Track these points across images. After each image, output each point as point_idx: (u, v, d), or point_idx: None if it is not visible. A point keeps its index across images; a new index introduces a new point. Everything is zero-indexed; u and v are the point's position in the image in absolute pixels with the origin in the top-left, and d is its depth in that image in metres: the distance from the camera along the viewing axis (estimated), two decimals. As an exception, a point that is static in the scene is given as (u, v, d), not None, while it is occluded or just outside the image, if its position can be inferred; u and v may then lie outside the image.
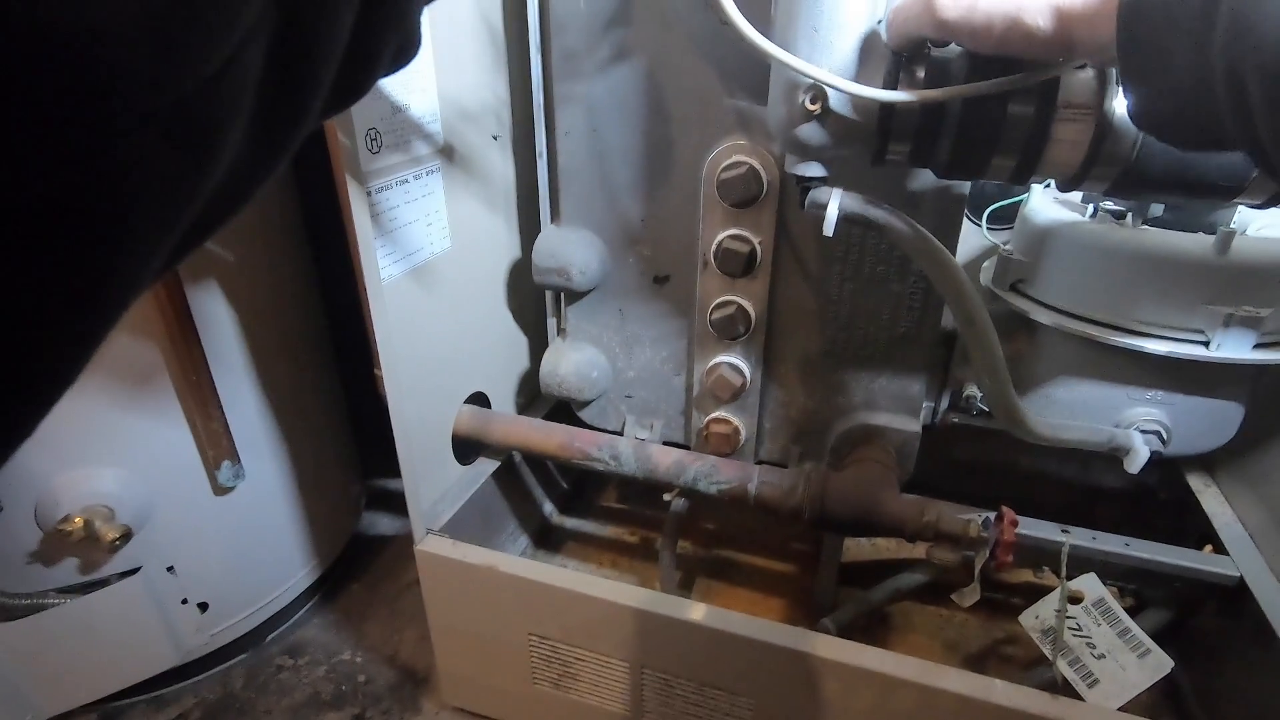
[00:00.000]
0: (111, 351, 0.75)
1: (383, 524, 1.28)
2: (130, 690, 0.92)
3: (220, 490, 0.86)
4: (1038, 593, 1.10)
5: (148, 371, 0.78)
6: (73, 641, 0.82)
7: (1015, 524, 0.71)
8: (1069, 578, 0.78)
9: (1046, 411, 0.83)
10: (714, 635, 0.71)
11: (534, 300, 1.01)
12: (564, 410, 0.99)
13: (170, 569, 0.86)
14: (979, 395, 0.79)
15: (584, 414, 0.96)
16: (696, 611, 0.72)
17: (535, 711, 0.88)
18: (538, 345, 1.03)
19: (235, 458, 0.85)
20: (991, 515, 0.74)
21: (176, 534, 0.86)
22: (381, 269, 0.70)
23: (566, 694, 0.83)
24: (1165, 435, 0.79)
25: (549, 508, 1.19)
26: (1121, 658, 0.78)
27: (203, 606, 0.91)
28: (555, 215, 0.86)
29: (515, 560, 0.78)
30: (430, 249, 0.78)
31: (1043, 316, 0.79)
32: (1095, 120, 0.48)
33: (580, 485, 1.31)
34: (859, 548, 1.18)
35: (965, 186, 0.70)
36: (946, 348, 0.81)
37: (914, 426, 0.82)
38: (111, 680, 0.87)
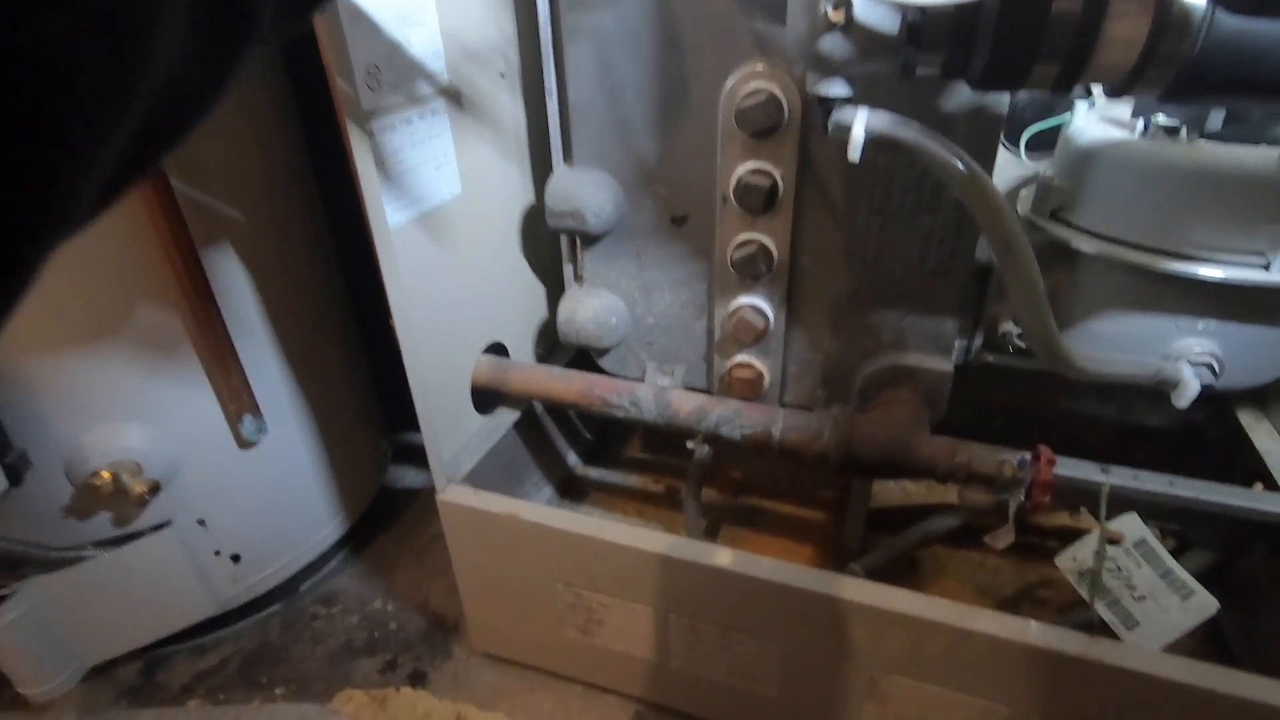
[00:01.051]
0: (131, 313, 0.75)
1: (409, 477, 1.29)
2: (171, 639, 0.95)
3: (244, 444, 0.86)
4: (1074, 536, 1.07)
5: (167, 332, 0.78)
6: (112, 592, 0.84)
7: (1052, 463, 0.68)
8: (1108, 519, 0.75)
9: (1088, 348, 0.79)
10: (740, 580, 0.70)
11: (550, 246, 0.99)
12: (585, 359, 0.98)
13: (201, 522, 0.87)
14: (1015, 330, 0.75)
15: (604, 362, 0.94)
16: (722, 557, 0.71)
17: (563, 657, 0.88)
18: (555, 293, 1.00)
19: (257, 412, 0.85)
20: (1027, 455, 0.71)
21: (204, 488, 0.87)
22: (389, 216, 0.68)
23: (593, 640, 0.83)
24: (1217, 368, 0.75)
25: (573, 459, 1.18)
26: (1163, 600, 0.76)
27: (235, 558, 0.93)
28: (567, 156, 0.83)
29: (537, 508, 0.77)
30: (440, 194, 0.75)
31: (1086, 245, 0.74)
32: (1153, 14, 0.43)
33: (604, 436, 1.30)
34: (888, 493, 1.16)
35: (1002, 105, 0.65)
36: (980, 283, 0.77)
37: (946, 366, 0.79)
38: (152, 629, 0.90)
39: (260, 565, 0.96)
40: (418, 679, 0.92)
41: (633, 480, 1.20)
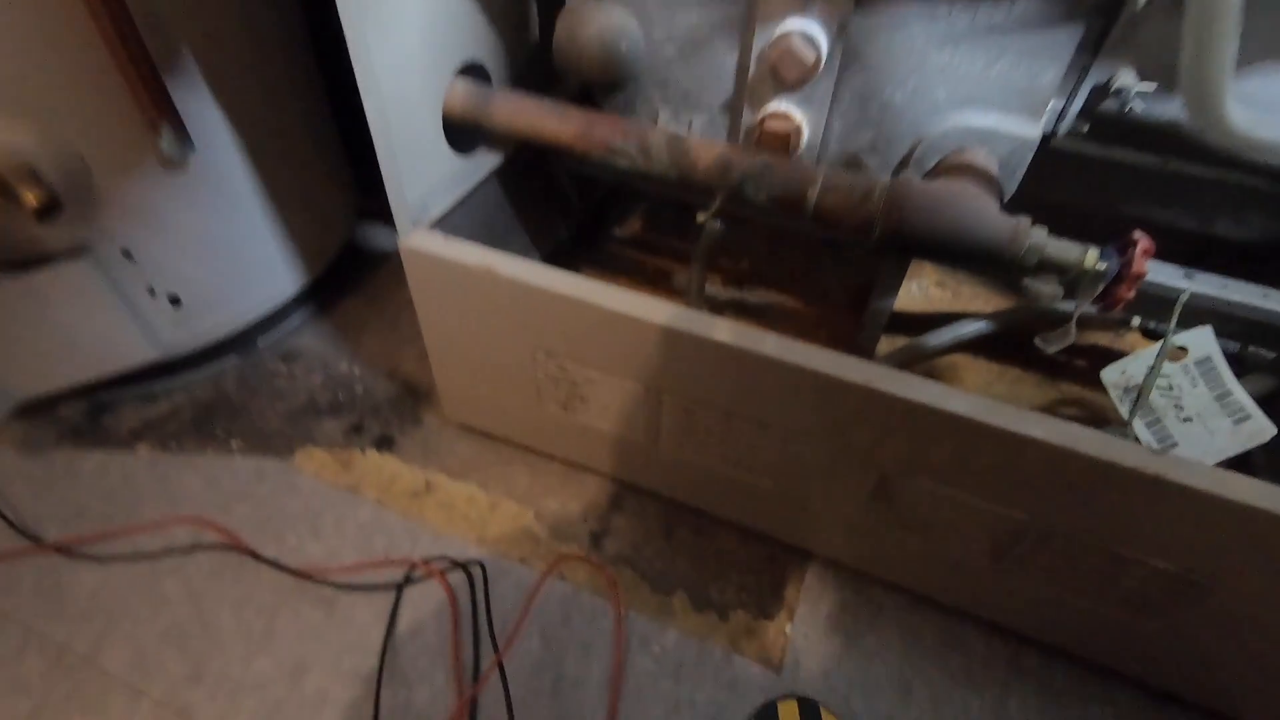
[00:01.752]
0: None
1: (382, 238, 1.16)
2: (116, 384, 0.87)
3: (167, 162, 0.72)
4: (1106, 354, 1.00)
5: (59, 8, 0.60)
6: (30, 321, 0.74)
7: (1150, 253, 0.55)
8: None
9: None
10: (745, 359, 0.60)
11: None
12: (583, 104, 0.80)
13: (126, 253, 0.75)
14: (1133, 89, 0.59)
15: (608, 105, 0.77)
16: (725, 331, 0.60)
17: (542, 433, 0.81)
18: (550, 7, 0.80)
19: (178, 124, 0.69)
20: (1112, 246, 0.59)
21: (126, 213, 0.73)
22: None
23: (575, 416, 0.76)
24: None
25: (563, 232, 1.05)
26: (1212, 423, 0.68)
27: (174, 300, 0.82)
28: None
29: (517, 263, 0.65)
30: None
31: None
32: None
33: (601, 210, 1.15)
34: (909, 297, 1.05)
35: None
36: (1106, 18, 0.59)
37: (1031, 131, 0.64)
38: (88, 368, 0.81)
39: (207, 311, 0.86)
40: (385, 443, 0.86)
41: (629, 262, 1.08)
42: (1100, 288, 0.58)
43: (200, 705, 0.64)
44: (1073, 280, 0.59)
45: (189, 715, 0.64)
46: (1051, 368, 0.96)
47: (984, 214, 0.59)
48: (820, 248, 1.12)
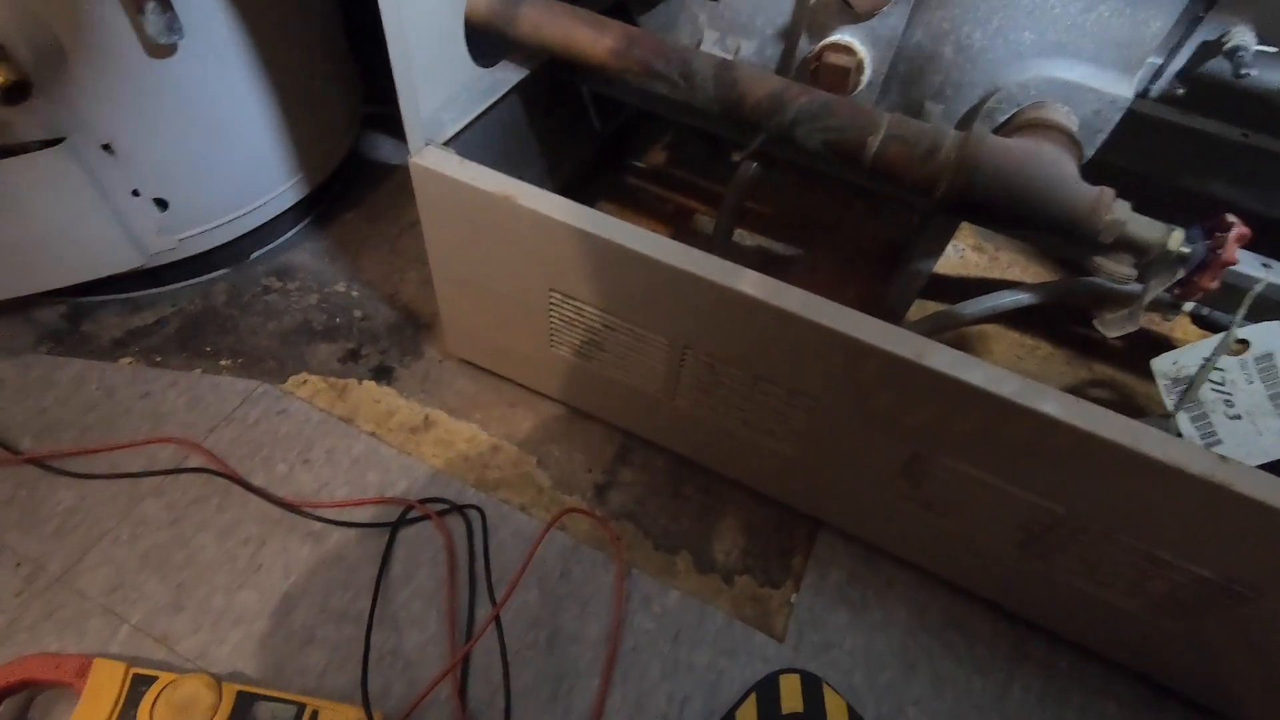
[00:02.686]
0: None
1: (386, 150, 1.08)
2: (99, 288, 0.81)
3: (154, 48, 0.64)
4: (1149, 340, 0.95)
5: None
6: (8, 218, 0.68)
7: (1245, 240, 0.50)
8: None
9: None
10: (777, 317, 0.54)
11: None
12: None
13: (107, 148, 0.68)
14: (1251, 49, 0.53)
15: (646, 19, 0.70)
16: (759, 286, 0.55)
17: (550, 377, 0.77)
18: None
19: (164, 2, 0.61)
20: (1198, 227, 0.53)
21: (106, 102, 0.66)
22: None
23: (588, 362, 0.71)
24: None
25: (582, 160, 0.97)
26: (1262, 422, 0.64)
27: (161, 204, 0.75)
28: None
29: (539, 194, 0.59)
30: None
31: None
32: None
33: (622, 138, 1.08)
34: (944, 259, 0.99)
35: None
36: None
37: (1123, 90, 0.57)
38: (67, 269, 0.75)
39: (195, 218, 0.79)
40: (383, 374, 0.82)
41: (652, 198, 1.01)
42: (1180, 273, 0.53)
43: (182, 635, 0.62)
44: (1150, 262, 0.54)
45: (170, 644, 0.61)
46: (1084, 345, 0.91)
47: (1064, 180, 0.53)
48: (852, 198, 1.05)
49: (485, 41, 0.66)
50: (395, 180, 1.03)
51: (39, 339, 0.80)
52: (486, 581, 0.67)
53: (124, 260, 0.77)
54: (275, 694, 0.56)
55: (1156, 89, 0.59)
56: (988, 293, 0.79)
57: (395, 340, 0.85)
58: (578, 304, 0.65)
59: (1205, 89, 0.58)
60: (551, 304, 0.66)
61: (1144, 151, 0.74)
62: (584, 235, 0.57)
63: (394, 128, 1.10)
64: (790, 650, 0.67)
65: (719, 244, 0.76)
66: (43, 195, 0.68)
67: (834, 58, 0.62)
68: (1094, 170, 0.57)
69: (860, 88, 0.64)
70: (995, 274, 0.97)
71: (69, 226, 0.71)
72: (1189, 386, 0.65)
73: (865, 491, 0.66)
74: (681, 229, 0.99)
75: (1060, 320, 0.94)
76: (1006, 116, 0.60)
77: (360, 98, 0.99)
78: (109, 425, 0.74)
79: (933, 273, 0.95)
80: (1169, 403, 0.66)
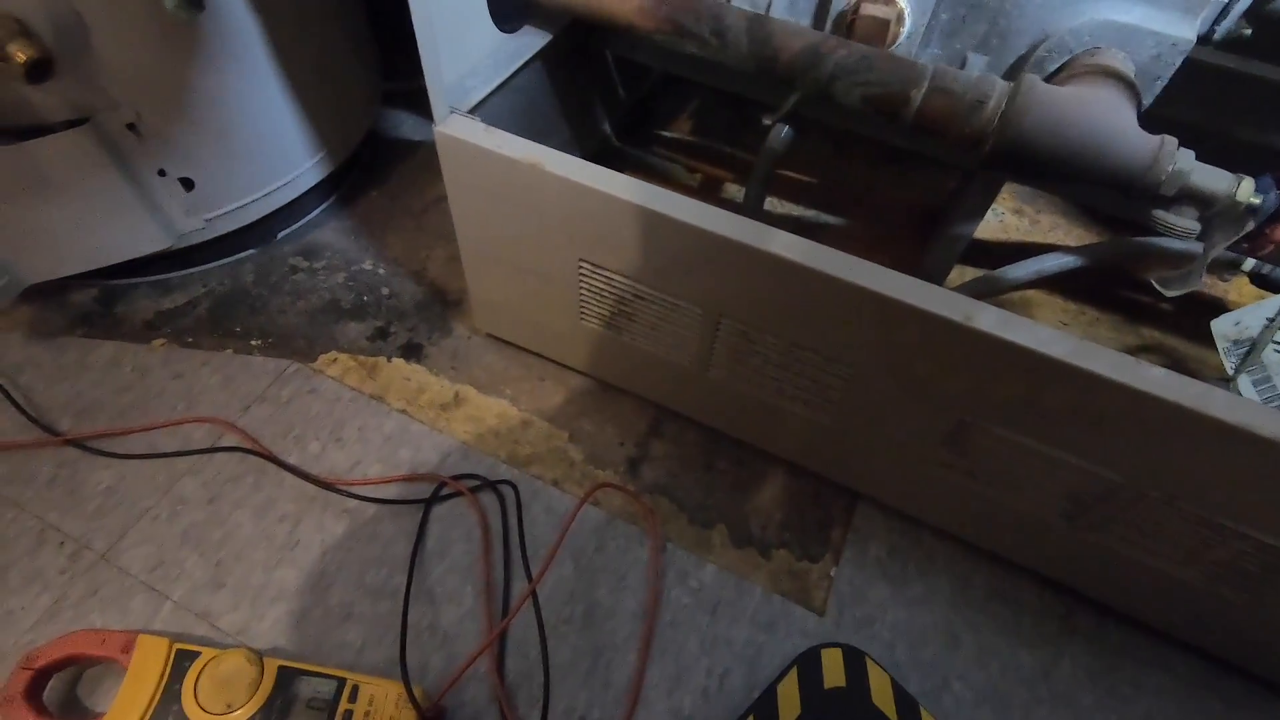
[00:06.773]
0: None
1: (408, 126, 1.07)
2: (129, 271, 0.82)
3: (174, 22, 0.63)
4: (1197, 301, 0.91)
5: None
6: (30, 198, 0.68)
7: (1321, 186, 0.47)
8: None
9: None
10: (818, 280, 0.52)
11: None
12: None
13: (132, 127, 0.68)
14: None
15: (674, -23, 0.67)
16: (798, 249, 0.52)
17: (580, 351, 0.76)
18: None
19: (183, -28, 0.60)
20: (1268, 176, 0.50)
21: (129, 80, 0.65)
22: None
23: (619, 335, 0.70)
24: None
25: (608, 127, 0.95)
26: (1330, 384, 0.61)
27: (187, 184, 0.75)
28: None
29: (568, 160, 0.57)
30: None
31: None
32: None
33: (647, 105, 1.05)
34: (983, 224, 0.96)
35: None
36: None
37: (1186, 32, 0.54)
38: (97, 251, 0.75)
39: (222, 198, 0.79)
40: (412, 352, 0.81)
41: (678, 167, 0.99)
42: (1248, 226, 0.50)
43: (223, 612, 0.62)
44: (1215, 214, 0.51)
45: (211, 620, 0.62)
46: (1132, 310, 0.88)
47: (1122, 130, 0.50)
48: (884, 164, 1.02)
49: (508, 3, 0.64)
50: (418, 157, 1.02)
51: (73, 322, 0.81)
52: (522, 556, 0.66)
53: (154, 241, 0.77)
54: (316, 669, 0.56)
55: (1221, 29, 0.55)
56: (1029, 257, 0.76)
57: (423, 317, 0.84)
58: (608, 274, 0.63)
59: (1276, 28, 0.54)
60: (581, 275, 0.65)
61: (1199, 102, 0.70)
62: (614, 201, 0.56)
63: (414, 104, 1.09)
64: (831, 624, 0.65)
65: (750, 212, 0.74)
66: (71, 177, 0.68)
67: (872, 8, 0.59)
68: (1143, 123, 0.54)
69: (900, 40, 0.61)
70: (1037, 238, 0.94)
71: (98, 208, 0.71)
72: (1251, 349, 0.62)
73: (906, 462, 0.64)
74: (710, 198, 0.96)
75: (1106, 284, 0.90)
76: (1057, 66, 0.57)
77: (380, 73, 0.97)
78: (144, 406, 0.74)
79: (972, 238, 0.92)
80: (1229, 365, 0.63)
